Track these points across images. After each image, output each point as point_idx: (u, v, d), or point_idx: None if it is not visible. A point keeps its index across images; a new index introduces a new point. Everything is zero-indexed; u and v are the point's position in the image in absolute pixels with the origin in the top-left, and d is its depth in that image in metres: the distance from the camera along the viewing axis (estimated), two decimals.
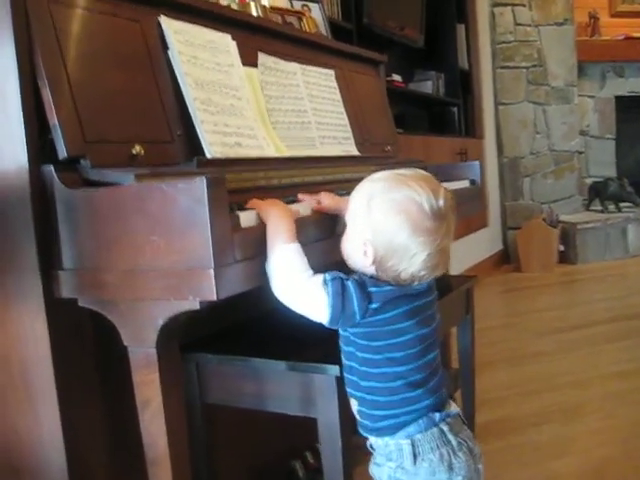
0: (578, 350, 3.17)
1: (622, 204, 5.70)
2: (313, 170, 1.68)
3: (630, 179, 5.73)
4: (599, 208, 5.75)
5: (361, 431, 1.18)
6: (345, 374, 1.17)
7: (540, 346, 3.29)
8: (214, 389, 1.43)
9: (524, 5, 5.56)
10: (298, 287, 1.09)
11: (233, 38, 1.64)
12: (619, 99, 6.09)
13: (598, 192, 5.73)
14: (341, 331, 1.15)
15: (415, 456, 1.09)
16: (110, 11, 1.35)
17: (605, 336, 3.36)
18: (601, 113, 6.06)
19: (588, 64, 5.88)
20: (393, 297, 1.08)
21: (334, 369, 1.27)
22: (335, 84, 2.05)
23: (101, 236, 1.12)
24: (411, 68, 4.42)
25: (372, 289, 1.08)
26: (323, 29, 2.44)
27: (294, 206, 1.26)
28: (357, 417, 1.17)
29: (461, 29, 4.81)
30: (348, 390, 1.18)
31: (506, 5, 5.53)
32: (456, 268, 3.94)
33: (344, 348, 1.16)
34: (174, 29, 1.47)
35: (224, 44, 1.60)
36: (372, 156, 2.16)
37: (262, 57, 1.74)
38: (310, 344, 1.39)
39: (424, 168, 1.27)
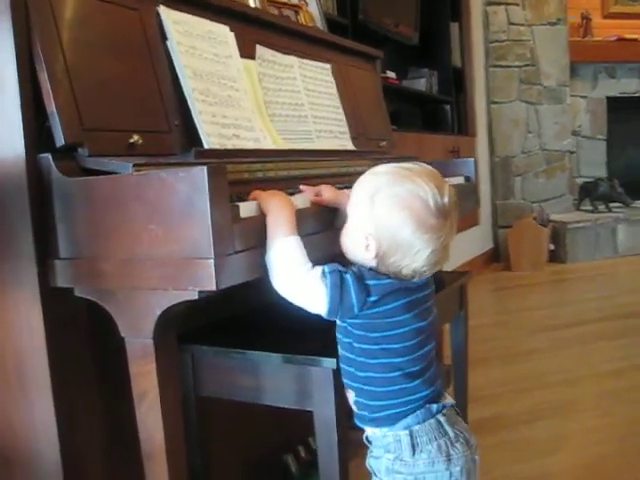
0: (570, 348, 3.19)
1: (612, 204, 5.73)
2: (310, 163, 1.67)
3: (620, 180, 5.77)
4: (589, 208, 5.78)
5: (358, 422, 1.18)
6: (342, 365, 1.17)
7: (532, 344, 3.30)
8: (209, 382, 1.42)
9: (517, 4, 5.58)
10: (297, 279, 1.09)
11: (231, 29, 1.63)
12: (611, 100, 6.12)
13: (588, 192, 5.76)
14: (339, 322, 1.14)
15: (414, 447, 1.09)
16: None
17: (596, 334, 3.37)
18: (593, 113, 6.08)
19: (580, 64, 5.91)
20: (392, 290, 1.08)
21: (331, 362, 1.26)
22: (332, 78, 2.05)
23: (99, 225, 1.11)
24: (405, 65, 4.42)
25: (371, 282, 1.07)
26: (320, 23, 2.43)
27: (293, 198, 1.25)
28: (354, 408, 1.17)
29: (455, 27, 4.82)
30: (345, 381, 1.17)
31: (500, 4, 5.54)
32: (446, 266, 3.94)
33: (342, 339, 1.15)
34: (173, 19, 1.45)
35: (222, 35, 1.59)
36: (367, 151, 2.15)
37: (260, 49, 1.73)
38: (307, 337, 1.38)
39: None
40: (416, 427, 1.10)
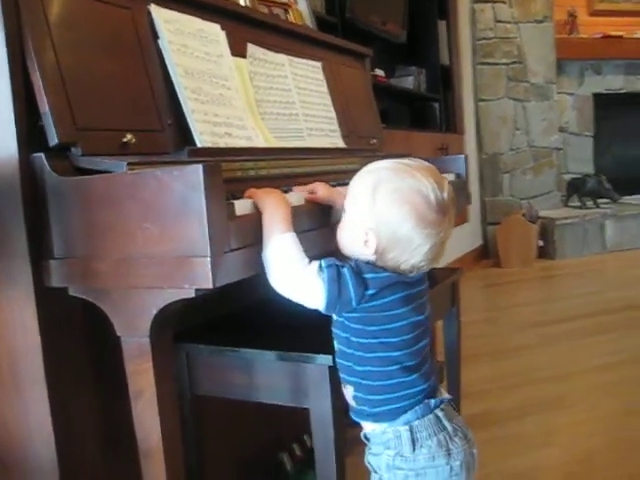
0: (559, 344, 3.21)
1: (600, 200, 5.77)
2: (301, 161, 1.67)
3: (607, 176, 5.80)
4: (577, 204, 5.81)
5: (356, 418, 1.18)
6: (339, 360, 1.17)
7: (521, 340, 3.32)
8: (205, 380, 1.42)
9: (504, 2, 5.60)
10: (294, 276, 1.09)
11: (222, 28, 1.63)
12: (597, 96, 6.16)
13: (576, 188, 5.80)
14: (336, 317, 1.15)
15: (414, 443, 1.10)
16: None
17: (585, 330, 3.40)
18: (579, 110, 6.12)
19: (567, 61, 5.94)
20: (389, 283, 1.08)
21: (326, 358, 1.27)
22: (322, 76, 2.05)
23: (93, 224, 1.11)
24: (393, 63, 4.43)
25: (368, 275, 1.08)
26: (309, 21, 2.43)
27: (287, 195, 1.25)
28: (353, 404, 1.17)
29: (442, 25, 4.83)
30: (342, 376, 1.17)
31: (487, 2, 5.56)
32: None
33: (339, 334, 1.15)
34: (164, 18, 1.45)
35: (214, 34, 1.59)
36: (358, 149, 2.16)
37: (251, 48, 1.73)
38: (303, 334, 1.39)
39: None
40: (416, 422, 1.11)
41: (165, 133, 1.40)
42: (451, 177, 2.16)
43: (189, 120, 1.42)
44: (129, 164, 1.13)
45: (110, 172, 1.13)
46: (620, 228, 5.63)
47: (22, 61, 1.16)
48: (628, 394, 2.51)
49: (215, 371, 1.41)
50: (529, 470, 1.97)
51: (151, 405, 1.14)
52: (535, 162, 5.79)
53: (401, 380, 1.11)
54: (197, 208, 1.00)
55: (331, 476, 1.30)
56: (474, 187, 5.53)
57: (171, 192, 1.02)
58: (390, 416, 1.12)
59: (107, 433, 1.34)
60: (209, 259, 1.00)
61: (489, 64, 5.61)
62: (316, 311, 1.12)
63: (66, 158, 1.18)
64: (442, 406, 1.13)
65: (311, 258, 1.11)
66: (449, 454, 1.10)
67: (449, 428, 1.12)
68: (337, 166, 1.82)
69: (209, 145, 1.43)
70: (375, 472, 1.17)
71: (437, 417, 1.12)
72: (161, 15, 1.45)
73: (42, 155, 1.15)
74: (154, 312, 1.09)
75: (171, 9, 1.49)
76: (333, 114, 2.06)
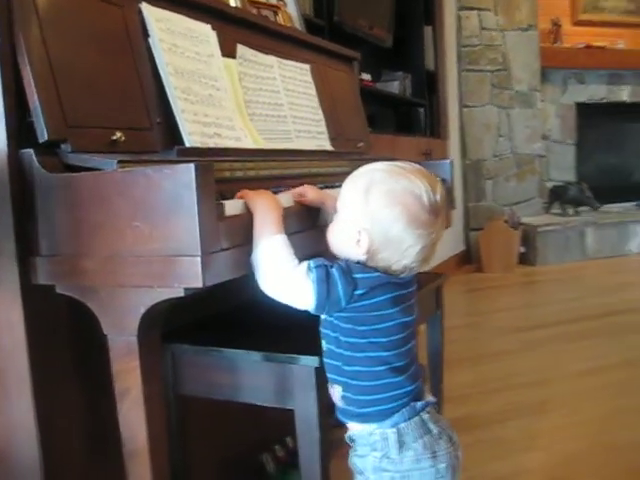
0: (540, 349, 3.23)
1: (581, 208, 5.84)
2: (290, 163, 1.68)
3: (589, 184, 5.87)
4: (559, 211, 5.87)
5: (343, 418, 1.18)
6: (327, 360, 1.17)
7: (503, 345, 3.34)
8: (189, 380, 1.41)
9: (490, 10, 5.64)
10: (283, 277, 1.09)
11: (212, 28, 1.63)
12: (580, 105, 6.24)
13: (558, 195, 5.85)
14: (325, 316, 1.15)
15: (400, 445, 1.10)
16: None
17: (566, 336, 3.43)
18: (562, 118, 6.18)
19: (551, 70, 6.00)
20: (379, 283, 1.09)
21: (313, 360, 1.27)
22: (310, 79, 2.06)
23: (82, 222, 1.10)
24: (379, 68, 4.44)
25: (358, 275, 1.08)
26: (298, 24, 2.44)
27: (277, 197, 1.25)
28: (340, 404, 1.17)
29: (428, 31, 4.85)
30: (330, 376, 1.18)
31: (472, 9, 5.59)
32: None
33: (329, 333, 1.15)
34: (155, 17, 1.45)
35: (204, 34, 1.59)
36: (346, 152, 2.17)
37: (241, 49, 1.73)
38: (289, 335, 1.39)
39: None
40: (402, 425, 1.11)
41: (154, 132, 1.39)
42: None
43: (178, 120, 1.41)
44: (119, 162, 1.12)
45: (100, 170, 1.13)
46: (600, 235, 5.69)
47: (13, 56, 1.15)
48: (609, 399, 2.53)
49: (200, 371, 1.40)
50: (511, 474, 1.98)
51: (137, 405, 1.13)
52: (518, 169, 5.84)
53: (389, 381, 1.12)
54: (188, 207, 0.99)
55: (315, 477, 1.29)
56: (457, 192, 5.55)
57: (162, 191, 1.02)
58: (378, 417, 1.12)
59: (92, 431, 1.33)
60: (199, 258, 0.99)
61: (474, 71, 5.65)
62: (303, 312, 1.12)
63: (55, 155, 1.17)
64: (428, 409, 1.14)
65: (301, 259, 1.11)
66: (435, 457, 1.10)
67: (434, 431, 1.12)
68: (325, 169, 1.82)
69: (198, 145, 1.42)
70: (360, 474, 1.17)
71: (423, 420, 1.13)
72: (152, 14, 1.45)
73: (31, 151, 1.15)
74: (142, 311, 1.09)
75: (162, 8, 1.49)
76: (321, 116, 2.07)
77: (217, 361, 1.38)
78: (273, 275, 1.10)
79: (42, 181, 1.14)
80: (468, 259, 5.67)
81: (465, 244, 5.75)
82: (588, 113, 6.22)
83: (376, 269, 1.09)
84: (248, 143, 1.62)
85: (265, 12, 2.23)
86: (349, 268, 1.08)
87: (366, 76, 3.82)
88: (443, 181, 2.18)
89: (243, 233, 1.10)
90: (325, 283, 1.07)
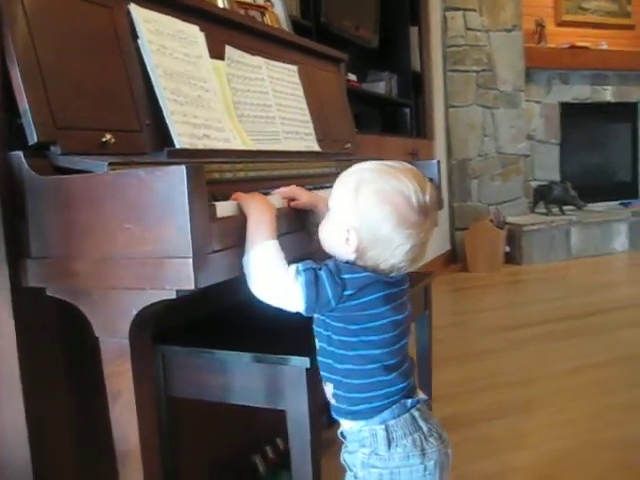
0: (526, 348, 3.25)
1: (565, 207, 5.88)
2: (278, 164, 1.68)
3: (573, 183, 5.91)
4: (544, 211, 5.91)
5: (335, 415, 1.19)
6: (320, 358, 1.18)
7: (488, 344, 3.36)
8: (180, 382, 1.41)
9: (475, 10, 5.67)
10: (273, 282, 1.10)
11: (200, 29, 1.62)
12: (564, 105, 6.28)
13: (543, 195, 5.89)
14: (317, 315, 1.15)
15: (389, 441, 1.11)
16: None
17: (551, 334, 3.45)
18: (547, 118, 6.23)
19: (535, 70, 6.04)
20: (368, 282, 1.09)
21: (304, 361, 1.27)
22: (298, 80, 2.06)
23: (73, 224, 1.10)
24: (365, 68, 4.45)
25: (346, 276, 1.09)
26: (285, 25, 2.44)
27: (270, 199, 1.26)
28: (332, 401, 1.18)
29: (414, 31, 4.87)
30: (323, 374, 1.18)
31: (458, 9, 5.62)
32: None
33: (321, 332, 1.16)
34: (144, 18, 1.45)
35: (192, 35, 1.59)
36: (333, 152, 2.17)
37: (229, 50, 1.73)
38: (280, 336, 1.39)
39: None
40: (392, 422, 1.12)
41: (143, 133, 1.39)
42: None
43: (168, 121, 1.41)
44: (110, 164, 1.12)
45: (90, 172, 1.12)
46: (585, 235, 5.74)
47: (1, 58, 1.14)
48: (596, 396, 2.55)
49: (191, 373, 1.40)
50: (499, 473, 2.00)
51: (129, 407, 1.13)
52: (503, 168, 5.87)
53: (381, 379, 1.13)
54: (180, 209, 0.99)
55: (307, 477, 1.30)
56: (443, 192, 5.57)
57: (154, 193, 1.02)
58: (368, 414, 1.13)
59: (83, 433, 1.32)
60: (191, 260, 1.00)
61: (459, 71, 5.67)
62: (294, 313, 1.12)
63: (45, 157, 1.16)
64: (418, 406, 1.15)
65: (292, 262, 1.12)
66: (424, 454, 1.11)
67: (424, 428, 1.13)
68: (313, 169, 1.83)
69: (187, 146, 1.42)
70: (350, 470, 1.18)
71: (413, 417, 1.13)
72: (141, 15, 1.44)
73: (21, 153, 1.14)
74: (134, 313, 1.09)
75: (150, 9, 1.48)
76: (308, 117, 2.07)
77: (208, 362, 1.38)
78: (264, 280, 1.10)
79: (32, 183, 1.13)
80: (454, 259, 5.70)
81: (451, 244, 5.78)
82: (572, 113, 6.27)
83: (365, 268, 1.10)
84: (237, 144, 1.62)
85: (252, 13, 2.23)
86: (338, 269, 1.09)
87: (352, 77, 3.83)
88: (430, 181, 2.22)
89: (235, 235, 1.11)
90: (314, 286, 1.07)
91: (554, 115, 6.25)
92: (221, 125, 1.59)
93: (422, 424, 1.13)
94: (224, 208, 1.12)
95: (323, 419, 1.24)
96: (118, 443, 1.16)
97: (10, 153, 1.15)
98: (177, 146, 1.40)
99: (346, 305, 1.09)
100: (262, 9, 2.28)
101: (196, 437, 1.64)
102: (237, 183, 1.43)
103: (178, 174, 0.99)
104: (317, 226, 1.19)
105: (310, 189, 1.46)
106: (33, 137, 1.14)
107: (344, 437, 1.19)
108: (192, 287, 1.01)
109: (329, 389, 1.18)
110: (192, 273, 1.00)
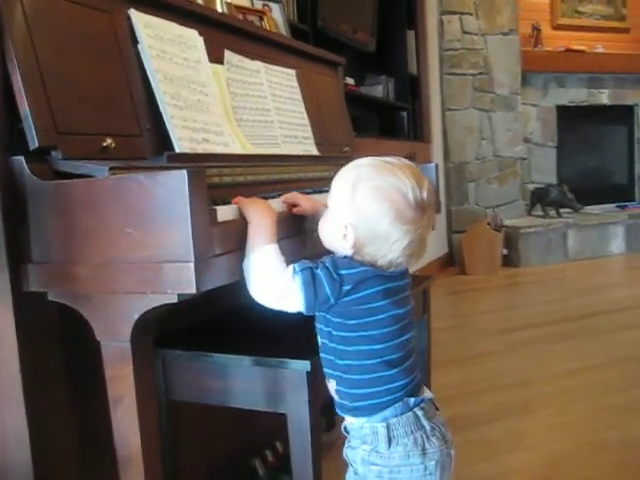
0: (524, 350, 3.26)
1: (562, 210, 5.88)
2: (277, 168, 1.69)
3: (570, 186, 5.92)
4: (540, 213, 5.91)
5: (339, 411, 1.19)
6: (322, 354, 1.18)
7: (487, 346, 3.36)
8: (181, 386, 1.41)
9: (471, 14, 5.68)
10: (273, 284, 1.11)
11: (199, 34, 1.63)
12: (560, 108, 6.30)
13: (540, 198, 5.90)
14: (317, 311, 1.15)
15: (390, 440, 1.11)
16: (81, 0, 1.32)
17: (549, 336, 3.46)
18: (543, 121, 6.24)
19: (531, 73, 6.05)
20: (366, 277, 1.10)
21: (304, 364, 1.28)
22: (296, 84, 2.07)
23: (74, 228, 1.11)
24: (362, 72, 4.46)
25: (343, 271, 1.09)
26: (283, 29, 2.45)
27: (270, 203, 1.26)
28: (335, 397, 1.18)
29: (411, 35, 4.88)
30: (325, 370, 1.18)
31: (454, 13, 5.63)
32: None
33: (322, 328, 1.16)
34: (144, 23, 1.45)
35: (192, 40, 1.60)
36: (332, 156, 2.18)
37: (228, 55, 1.74)
38: (281, 339, 1.40)
39: None
40: (393, 420, 1.12)
41: (143, 138, 1.40)
42: None
43: (168, 125, 1.42)
44: (111, 169, 1.13)
45: (91, 176, 1.13)
46: (582, 237, 5.75)
47: (2, 63, 1.15)
48: (594, 398, 2.56)
49: (192, 377, 1.41)
50: (498, 474, 2.00)
51: (131, 411, 1.13)
52: (500, 172, 5.88)
53: (382, 374, 1.12)
54: (181, 213, 1.00)
55: None
56: (440, 195, 5.59)
57: (155, 197, 1.02)
58: (369, 411, 1.13)
59: (84, 436, 1.32)
60: (192, 264, 1.00)
61: (456, 74, 5.69)
62: (294, 316, 1.13)
63: (46, 162, 1.17)
64: (422, 405, 1.15)
65: (289, 262, 1.12)
66: (424, 453, 1.11)
67: (427, 427, 1.13)
68: (312, 173, 1.84)
69: (187, 150, 1.43)
70: (351, 465, 1.18)
71: (416, 416, 1.13)
72: (140, 20, 1.45)
73: (22, 158, 1.15)
74: (135, 317, 1.09)
75: (150, 14, 1.49)
76: (307, 121, 2.08)
77: (209, 366, 1.38)
78: (263, 284, 1.11)
79: (33, 188, 1.14)
80: (451, 262, 5.70)
81: (448, 247, 5.78)
82: (568, 116, 6.29)
83: (362, 263, 1.10)
84: (236, 148, 1.62)
85: (251, 17, 2.24)
86: (335, 265, 1.10)
87: (350, 80, 3.84)
88: None
89: (236, 239, 1.11)
90: (311, 285, 1.08)
91: (551, 118, 6.27)
92: (220, 129, 1.59)
93: (425, 423, 1.13)
94: (225, 212, 1.13)
95: (322, 422, 1.23)
96: (119, 447, 1.16)
97: (12, 158, 1.16)
98: (177, 150, 1.41)
99: (345, 300, 1.10)
100: (260, 14, 2.29)
101: (196, 441, 1.64)
102: (236, 187, 1.43)
103: (179, 179, 1.00)
104: (317, 232, 1.19)
105: (309, 193, 1.47)
106: (34, 142, 1.14)
107: (347, 432, 1.19)
108: (193, 291, 1.01)
109: (332, 385, 1.18)
110: (193, 277, 1.00)
